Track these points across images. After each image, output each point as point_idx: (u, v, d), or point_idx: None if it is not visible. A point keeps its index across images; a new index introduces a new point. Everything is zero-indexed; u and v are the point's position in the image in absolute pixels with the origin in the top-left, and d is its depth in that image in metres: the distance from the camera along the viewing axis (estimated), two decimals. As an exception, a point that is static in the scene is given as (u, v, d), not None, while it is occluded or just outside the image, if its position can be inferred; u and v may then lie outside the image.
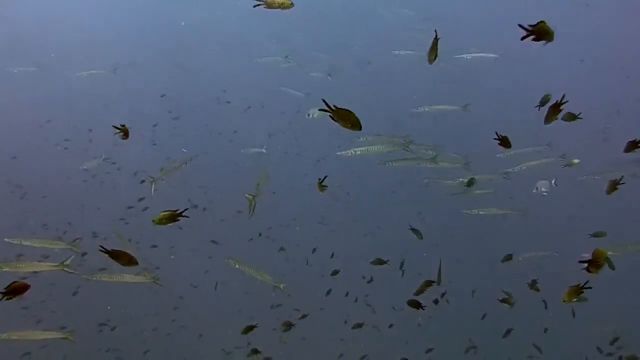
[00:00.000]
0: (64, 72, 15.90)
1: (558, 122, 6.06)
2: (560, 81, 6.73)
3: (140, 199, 12.62)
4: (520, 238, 13.78)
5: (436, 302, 10.53)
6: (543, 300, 10.08)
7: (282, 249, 13.40)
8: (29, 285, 4.87)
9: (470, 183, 9.31)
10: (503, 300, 8.99)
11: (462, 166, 10.85)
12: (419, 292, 7.50)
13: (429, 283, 7.55)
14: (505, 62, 14.72)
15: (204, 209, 13.97)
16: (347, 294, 12.03)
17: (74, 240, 8.14)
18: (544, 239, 14.25)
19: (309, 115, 9.45)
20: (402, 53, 15.16)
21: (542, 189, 9.40)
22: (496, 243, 13.32)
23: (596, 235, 8.32)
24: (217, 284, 12.76)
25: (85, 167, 13.45)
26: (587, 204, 14.40)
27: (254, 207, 7.26)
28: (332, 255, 11.68)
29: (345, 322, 11.91)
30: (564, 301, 5.39)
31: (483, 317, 12.05)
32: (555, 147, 10.68)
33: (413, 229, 9.51)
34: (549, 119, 5.73)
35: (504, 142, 6.00)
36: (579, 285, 5.33)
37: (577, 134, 10.54)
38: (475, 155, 11.04)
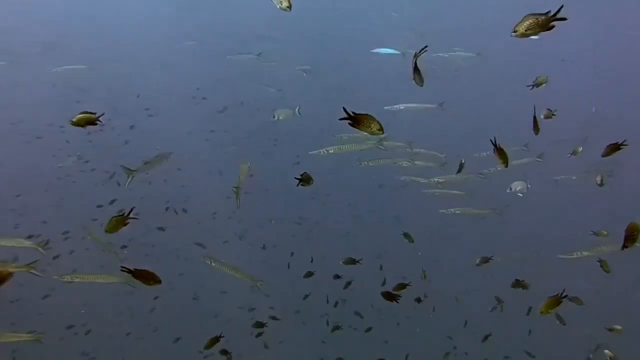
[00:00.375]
0: (39, 67, 15.52)
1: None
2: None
3: (112, 201, 12.35)
4: (499, 238, 13.79)
5: (418, 300, 10.53)
6: (529, 308, 9.96)
7: (264, 247, 13.22)
8: (12, 273, 4.45)
9: (460, 168, 9.09)
10: (497, 300, 8.89)
11: (438, 166, 10.78)
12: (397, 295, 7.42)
13: (402, 286, 7.48)
14: (486, 62, 14.76)
15: (183, 210, 13.74)
16: (327, 299, 11.85)
17: (45, 244, 7.88)
18: (522, 239, 14.32)
19: (274, 117, 9.31)
20: (381, 51, 15.14)
21: (517, 190, 9.36)
22: (476, 243, 13.30)
23: (597, 234, 8.23)
24: (195, 294, 12.56)
25: (60, 165, 13.18)
26: (565, 204, 14.49)
27: (239, 197, 7.39)
28: (312, 260, 11.42)
29: (328, 324, 11.82)
30: (541, 313, 5.26)
31: (465, 324, 11.97)
32: (533, 148, 10.67)
33: (405, 234, 9.32)
34: (536, 130, 5.71)
35: (500, 153, 5.59)
36: (558, 295, 5.24)
37: (555, 135, 10.58)
38: (452, 155, 11.00)
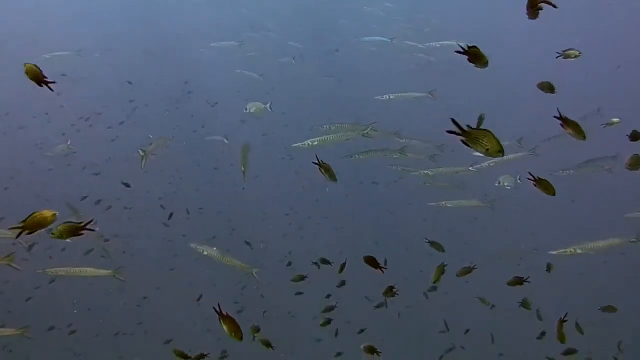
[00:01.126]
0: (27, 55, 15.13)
1: (531, 118, 5.82)
2: (538, 73, 6.46)
3: (98, 201, 12.09)
4: (495, 234, 13.64)
5: (426, 296, 10.37)
6: (537, 310, 9.64)
7: (262, 242, 12.96)
8: (54, 214, 3.94)
9: (480, 122, 8.20)
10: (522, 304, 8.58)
11: (428, 157, 10.46)
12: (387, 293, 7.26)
13: (390, 289, 7.29)
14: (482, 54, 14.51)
15: (186, 211, 13.49)
16: (328, 296, 11.59)
17: (30, 247, 7.62)
18: (519, 235, 14.14)
19: (246, 109, 9.07)
20: (371, 39, 14.94)
21: (505, 183, 9.14)
22: (471, 239, 13.16)
23: None
24: (201, 296, 12.30)
25: (49, 154, 12.88)
26: (562, 200, 14.28)
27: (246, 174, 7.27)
28: (318, 266, 11.05)
29: (329, 323, 11.59)
30: (562, 341, 5.20)
31: (466, 331, 11.75)
32: (530, 143, 10.39)
33: (431, 242, 8.64)
34: (577, 133, 5.26)
35: (541, 184, 5.02)
36: (561, 318, 5.06)
37: (552, 129, 10.35)
38: (445, 148, 10.77)
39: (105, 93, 15.70)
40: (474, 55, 3.76)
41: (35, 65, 4.41)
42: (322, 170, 5.76)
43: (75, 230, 4.16)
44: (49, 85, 4.39)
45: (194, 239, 12.08)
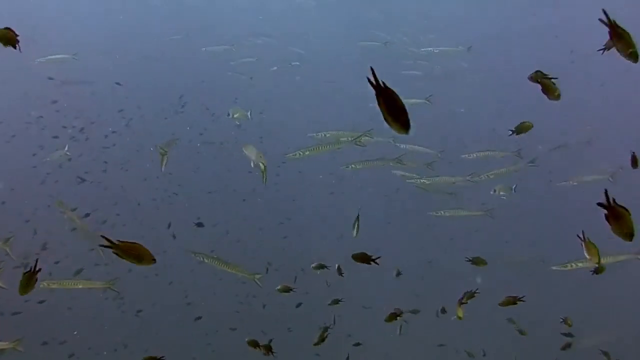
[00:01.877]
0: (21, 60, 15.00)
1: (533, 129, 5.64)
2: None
3: (87, 214, 11.97)
4: (497, 245, 13.48)
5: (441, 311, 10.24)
6: (566, 334, 9.32)
7: (269, 263, 12.71)
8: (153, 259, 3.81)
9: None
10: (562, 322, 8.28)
11: (426, 165, 10.31)
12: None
13: (393, 315, 7.18)
14: (480, 60, 14.41)
15: (199, 224, 13.32)
16: (334, 320, 11.39)
17: (6, 240, 7.52)
18: (520, 246, 13.98)
19: (229, 114, 8.99)
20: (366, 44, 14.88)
21: (501, 193, 9.06)
22: (473, 249, 12.96)
23: None
24: (200, 317, 12.09)
25: (48, 159, 12.85)
26: (563, 210, 14.13)
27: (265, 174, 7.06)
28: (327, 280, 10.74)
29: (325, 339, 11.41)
30: None
31: (484, 354, 11.55)
32: (530, 153, 10.21)
33: (472, 259, 8.30)
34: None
35: (589, 248, 4.74)
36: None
37: (554, 140, 10.20)
38: (442, 156, 10.65)
39: (102, 98, 15.61)
40: (615, 217, 3.43)
41: (8, 28, 4.32)
42: (356, 222, 6.30)
43: (32, 277, 4.50)
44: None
45: (192, 249, 12.04)
